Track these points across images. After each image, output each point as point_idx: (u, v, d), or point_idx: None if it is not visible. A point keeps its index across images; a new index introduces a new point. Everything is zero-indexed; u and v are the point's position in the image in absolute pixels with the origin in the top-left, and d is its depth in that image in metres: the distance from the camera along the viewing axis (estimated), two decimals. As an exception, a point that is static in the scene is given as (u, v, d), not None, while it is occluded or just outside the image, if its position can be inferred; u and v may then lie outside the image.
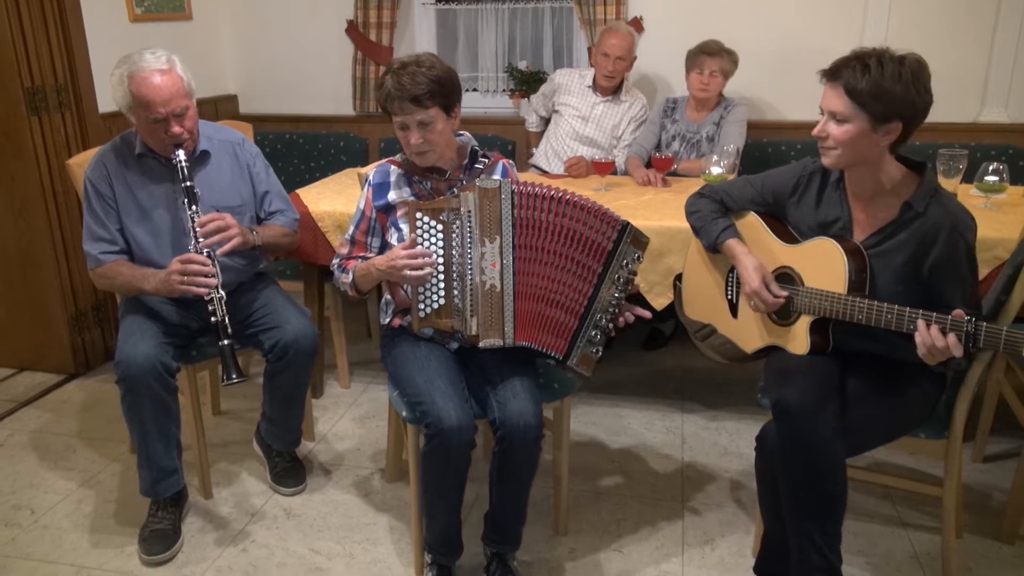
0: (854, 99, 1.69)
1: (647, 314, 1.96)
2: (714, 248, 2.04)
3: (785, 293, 1.88)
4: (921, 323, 1.62)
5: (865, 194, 1.83)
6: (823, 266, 1.81)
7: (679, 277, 2.30)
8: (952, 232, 1.71)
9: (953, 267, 1.73)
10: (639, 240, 1.90)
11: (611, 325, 1.91)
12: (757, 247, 1.98)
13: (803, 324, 1.86)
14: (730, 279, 2.10)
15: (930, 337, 1.60)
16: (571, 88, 3.53)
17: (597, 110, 3.47)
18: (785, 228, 1.98)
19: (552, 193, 1.88)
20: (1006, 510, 2.22)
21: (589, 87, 3.48)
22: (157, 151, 2.24)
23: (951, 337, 1.58)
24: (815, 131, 1.79)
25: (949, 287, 1.74)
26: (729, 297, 2.10)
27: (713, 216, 2.06)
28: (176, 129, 2.15)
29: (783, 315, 1.92)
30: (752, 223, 2.03)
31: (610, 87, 3.44)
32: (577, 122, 3.49)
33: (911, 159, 1.81)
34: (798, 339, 1.87)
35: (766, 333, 1.97)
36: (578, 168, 3.19)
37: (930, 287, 1.75)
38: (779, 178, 2.00)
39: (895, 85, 1.65)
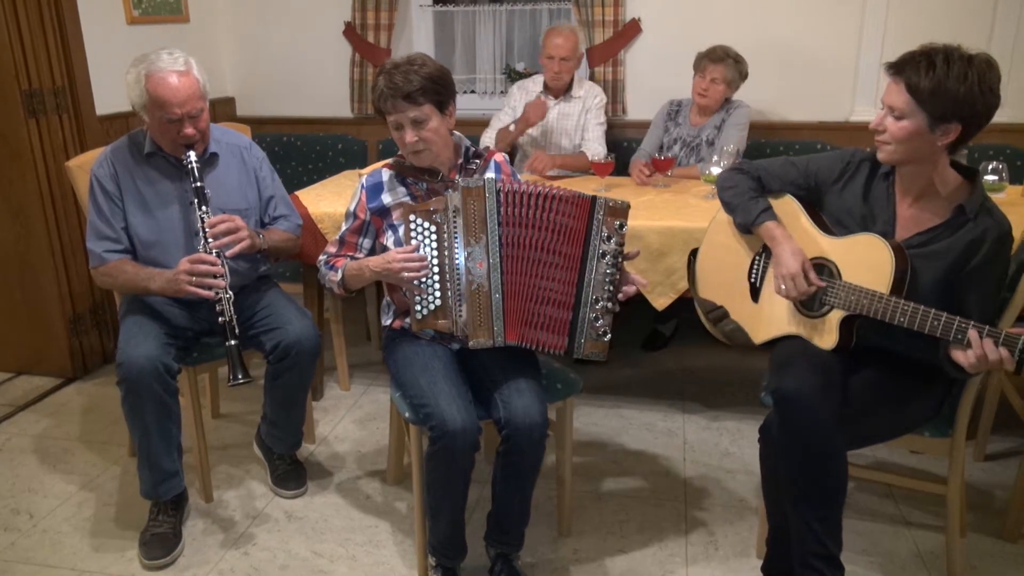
0: (914, 96, 1.65)
1: (643, 281, 1.94)
2: (749, 228, 1.99)
3: (822, 283, 1.84)
4: (973, 332, 1.57)
5: (914, 192, 1.79)
6: (866, 262, 1.77)
7: (694, 253, 2.23)
8: (996, 242, 1.70)
9: (986, 276, 1.72)
10: (615, 208, 1.86)
11: (610, 304, 1.89)
12: (794, 233, 1.93)
13: (834, 318, 1.82)
14: (756, 261, 2.03)
15: (983, 349, 1.56)
16: (526, 100, 3.42)
17: (552, 114, 3.40)
18: (820, 217, 1.93)
19: (537, 189, 1.87)
20: (1009, 508, 2.22)
21: (541, 93, 3.42)
22: (168, 151, 2.23)
23: (1004, 351, 1.54)
24: (873, 124, 1.76)
25: (973, 295, 1.72)
26: (752, 280, 2.05)
27: (752, 194, 1.99)
28: (189, 130, 2.15)
29: (809, 306, 1.89)
30: (790, 207, 1.96)
31: (560, 87, 3.40)
32: (536, 130, 3.42)
33: (963, 165, 1.78)
34: (827, 333, 1.84)
35: (791, 323, 1.93)
36: (538, 162, 3.16)
37: (959, 293, 1.73)
38: (824, 162, 1.95)
39: (959, 86, 1.60)
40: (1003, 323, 1.78)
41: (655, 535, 2.27)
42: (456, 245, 1.87)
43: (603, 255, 1.87)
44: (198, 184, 2.16)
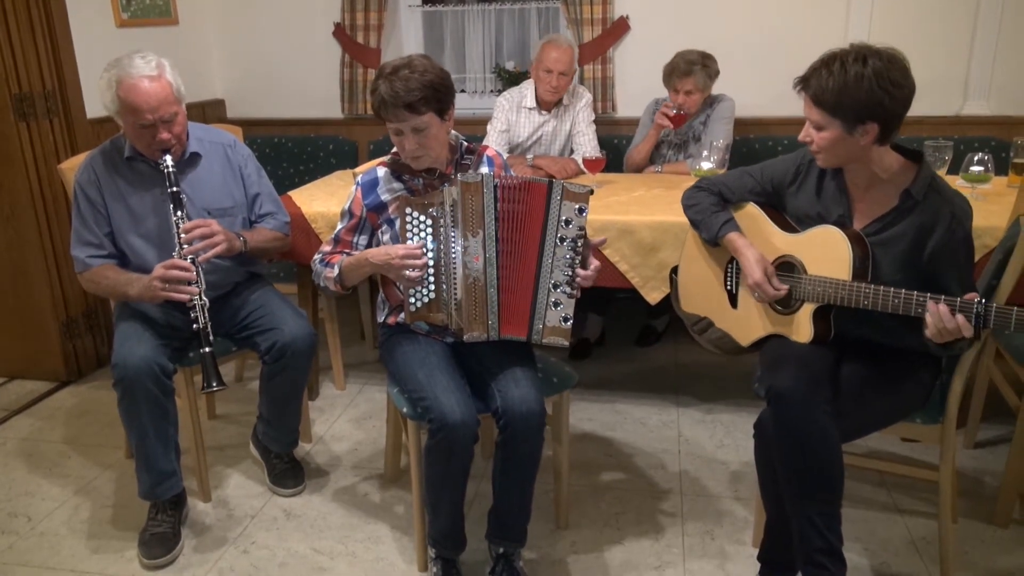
0: (822, 108, 1.72)
1: (597, 263, 1.93)
2: (715, 242, 2.05)
3: (785, 287, 1.89)
4: (931, 303, 1.63)
5: (862, 184, 1.85)
6: (826, 254, 1.82)
7: (675, 270, 2.30)
8: (951, 220, 1.73)
9: (951, 254, 1.75)
10: (573, 193, 1.86)
11: (571, 289, 1.89)
12: (758, 237, 1.99)
13: (806, 312, 1.87)
14: (729, 270, 2.10)
15: (939, 317, 1.62)
16: (518, 120, 3.38)
17: (547, 128, 3.37)
18: (783, 218, 1.99)
19: (526, 183, 1.88)
20: (999, 495, 2.25)
21: (532, 109, 3.35)
22: (145, 155, 2.23)
23: (960, 318, 1.60)
24: (800, 137, 1.83)
25: (947, 274, 1.76)
26: (728, 288, 2.11)
27: (713, 209, 2.06)
28: (164, 135, 2.14)
29: (785, 304, 1.93)
30: (752, 213, 2.03)
31: (554, 101, 3.33)
32: (532, 147, 3.39)
33: (907, 148, 1.83)
34: (801, 327, 1.88)
35: (768, 323, 1.98)
36: (516, 172, 3.13)
37: (928, 274, 1.77)
38: (778, 167, 2.01)
39: (858, 89, 1.66)
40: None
41: (652, 527, 2.29)
42: (453, 239, 1.89)
43: (562, 239, 1.88)
44: (173, 189, 2.15)
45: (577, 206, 1.86)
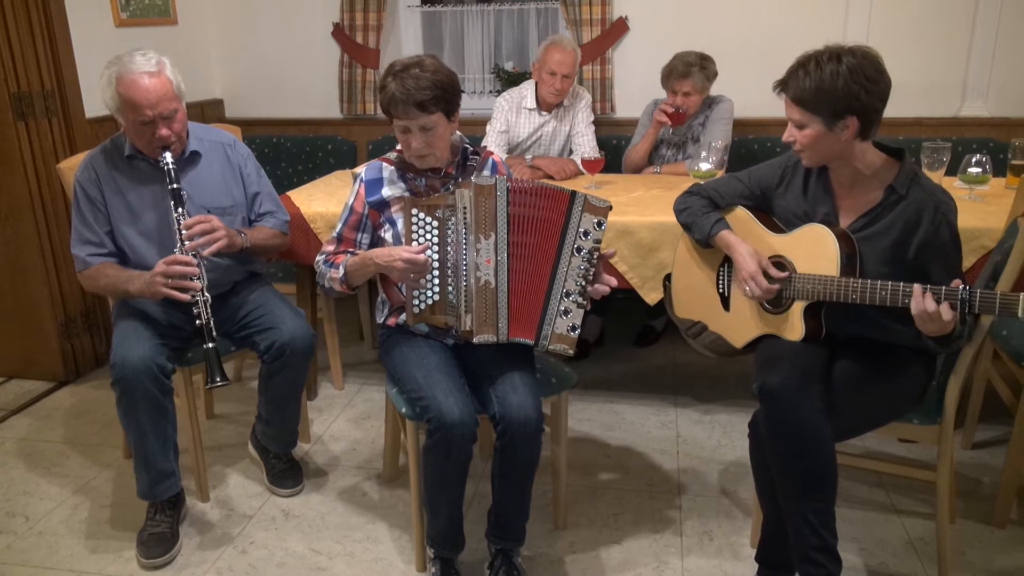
0: (802, 106, 1.79)
1: (613, 281, 1.95)
2: (707, 241, 2.07)
3: (783, 275, 1.91)
4: (916, 288, 1.66)
5: (846, 181, 1.89)
6: (815, 252, 1.85)
7: (668, 277, 2.32)
8: (935, 213, 1.77)
9: (938, 247, 1.78)
10: (594, 206, 1.89)
11: (581, 299, 1.92)
12: (748, 239, 2.01)
13: (797, 310, 1.89)
14: (721, 273, 2.12)
15: (923, 302, 1.64)
16: (518, 121, 3.37)
17: (547, 128, 3.37)
18: (772, 220, 2.03)
19: (545, 190, 1.90)
20: (997, 495, 2.25)
21: (532, 110, 3.34)
22: (145, 153, 2.23)
23: (944, 306, 1.62)
24: (784, 138, 1.87)
25: (935, 266, 1.79)
26: (721, 291, 2.13)
27: (704, 211, 2.10)
28: (164, 132, 2.14)
29: (775, 303, 1.95)
30: (741, 216, 2.06)
31: (556, 103, 3.33)
32: (531, 148, 3.40)
33: (889, 146, 1.87)
34: (793, 325, 1.90)
35: (760, 323, 1.99)
36: (516, 173, 3.12)
37: (917, 268, 1.80)
38: (766, 171, 2.06)
39: (834, 85, 1.72)
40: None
41: (650, 527, 2.29)
42: (464, 241, 1.89)
43: (579, 249, 1.90)
44: (174, 186, 2.15)
45: (596, 219, 1.89)
